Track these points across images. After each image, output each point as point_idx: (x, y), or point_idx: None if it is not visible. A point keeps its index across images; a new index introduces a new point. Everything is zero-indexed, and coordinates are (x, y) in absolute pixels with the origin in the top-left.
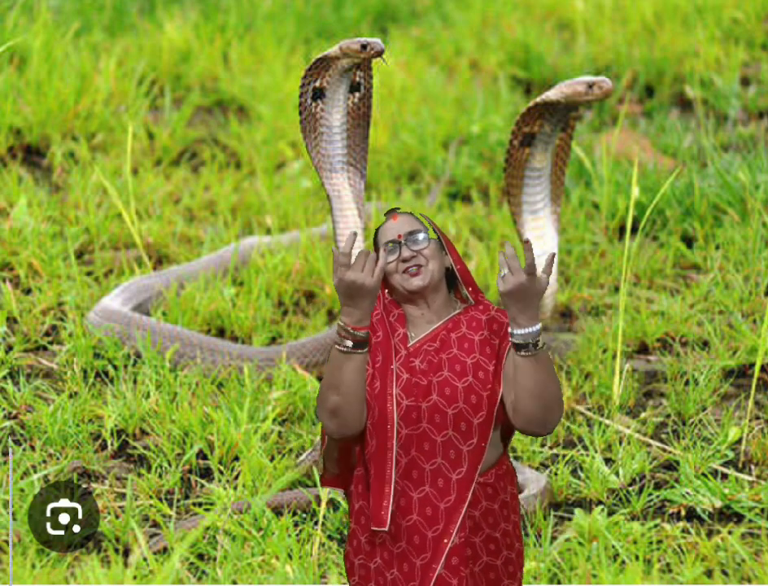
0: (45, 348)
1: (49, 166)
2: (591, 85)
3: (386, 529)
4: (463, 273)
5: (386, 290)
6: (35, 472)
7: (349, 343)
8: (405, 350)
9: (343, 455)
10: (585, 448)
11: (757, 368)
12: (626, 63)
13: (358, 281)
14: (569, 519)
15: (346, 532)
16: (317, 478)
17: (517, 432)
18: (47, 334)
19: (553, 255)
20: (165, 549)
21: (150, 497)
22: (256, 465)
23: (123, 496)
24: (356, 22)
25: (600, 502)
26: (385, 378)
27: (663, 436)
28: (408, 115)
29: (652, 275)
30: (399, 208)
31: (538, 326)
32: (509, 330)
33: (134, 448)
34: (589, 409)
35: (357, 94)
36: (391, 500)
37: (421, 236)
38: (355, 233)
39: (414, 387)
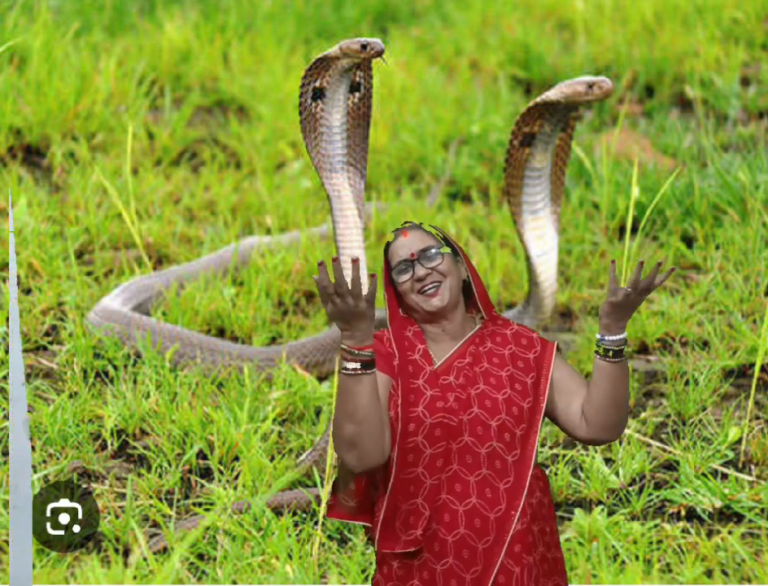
0: (45, 348)
1: (49, 166)
2: (591, 85)
3: (419, 546)
4: (479, 287)
5: (400, 309)
6: (35, 472)
7: (356, 366)
8: (429, 366)
9: (359, 485)
10: (585, 448)
11: (757, 368)
12: (626, 63)
13: (351, 305)
14: (569, 519)
15: (346, 532)
16: (317, 478)
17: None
18: (47, 334)
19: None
20: (165, 549)
21: (150, 497)
22: (256, 465)
23: (123, 496)
24: (356, 22)
25: (600, 502)
26: (407, 397)
27: (663, 436)
28: (408, 115)
29: None
30: (408, 223)
31: (626, 334)
32: (600, 336)
33: (134, 448)
34: None
35: (357, 94)
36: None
37: (434, 252)
38: (336, 259)
39: (457, 400)
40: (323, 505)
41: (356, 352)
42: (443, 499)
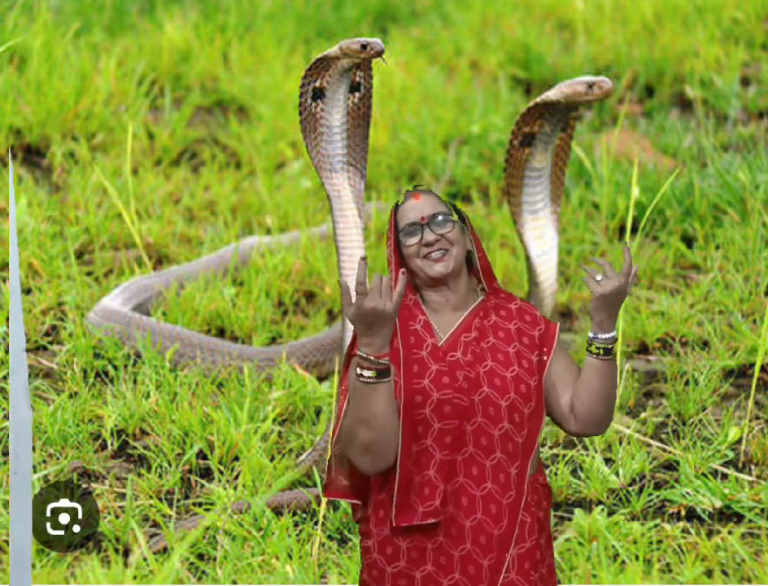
0: (45, 348)
1: (49, 166)
2: (591, 85)
3: (440, 518)
4: (483, 259)
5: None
6: (35, 472)
7: (372, 374)
8: (431, 338)
9: (352, 465)
10: (585, 448)
11: (757, 368)
12: (626, 63)
13: (378, 308)
14: (569, 519)
15: (346, 532)
16: (317, 478)
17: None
18: (47, 334)
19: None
20: (165, 549)
21: (150, 497)
22: (256, 465)
23: (123, 496)
24: (356, 22)
25: (600, 502)
26: (411, 368)
27: (663, 436)
28: (408, 115)
29: (652, 275)
30: (420, 185)
31: (615, 331)
32: (593, 335)
33: (134, 448)
34: None
35: (357, 94)
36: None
37: (445, 218)
38: (364, 258)
39: (466, 378)
40: (323, 504)
41: (374, 359)
42: (461, 482)
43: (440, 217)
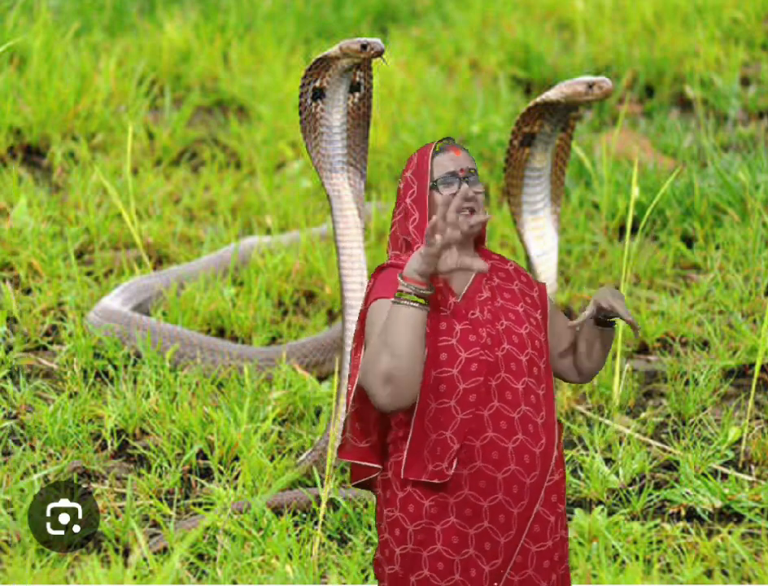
0: (45, 348)
1: (49, 166)
2: (591, 85)
3: (447, 478)
4: (484, 225)
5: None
6: (35, 472)
7: (415, 296)
8: (452, 298)
9: (366, 426)
10: (585, 448)
11: (757, 368)
12: (626, 63)
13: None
14: (569, 519)
15: (346, 532)
16: (317, 478)
17: None
18: (47, 334)
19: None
20: (165, 549)
21: (150, 497)
22: (256, 465)
23: (123, 496)
24: (356, 22)
25: (600, 502)
26: (438, 324)
27: (663, 436)
28: (408, 115)
29: (652, 275)
30: (452, 139)
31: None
32: (612, 321)
33: (134, 448)
34: (589, 409)
35: (357, 94)
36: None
37: (477, 178)
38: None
39: (489, 335)
40: (323, 504)
41: (426, 285)
42: (490, 436)
43: (476, 175)
